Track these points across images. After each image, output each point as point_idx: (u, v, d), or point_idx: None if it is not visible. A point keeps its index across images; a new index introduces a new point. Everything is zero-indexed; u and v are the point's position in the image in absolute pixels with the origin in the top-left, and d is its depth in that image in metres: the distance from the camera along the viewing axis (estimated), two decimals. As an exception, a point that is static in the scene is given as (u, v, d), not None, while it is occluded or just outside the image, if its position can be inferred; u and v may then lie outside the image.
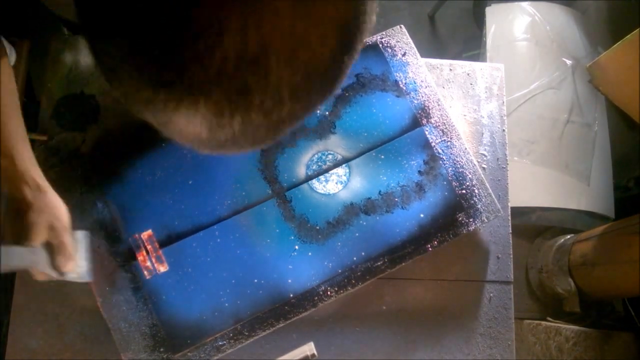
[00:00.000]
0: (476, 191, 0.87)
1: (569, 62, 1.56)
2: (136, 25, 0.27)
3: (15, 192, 0.61)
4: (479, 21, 1.93)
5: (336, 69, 0.31)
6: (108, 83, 0.31)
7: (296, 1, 0.27)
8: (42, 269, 0.63)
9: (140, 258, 0.81)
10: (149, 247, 0.81)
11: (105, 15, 0.28)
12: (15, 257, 0.59)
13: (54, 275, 0.66)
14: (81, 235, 0.74)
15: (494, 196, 0.87)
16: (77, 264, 0.71)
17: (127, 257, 0.81)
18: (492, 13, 1.67)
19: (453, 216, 0.85)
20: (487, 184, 0.87)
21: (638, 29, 1.18)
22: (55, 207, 0.65)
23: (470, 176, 0.87)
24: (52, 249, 0.65)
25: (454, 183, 0.87)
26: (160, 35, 0.26)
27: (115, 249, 0.81)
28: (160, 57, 0.27)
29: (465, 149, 0.88)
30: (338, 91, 0.89)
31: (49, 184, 0.65)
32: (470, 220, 0.85)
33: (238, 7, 0.26)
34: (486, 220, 0.86)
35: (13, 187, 0.62)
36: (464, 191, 0.86)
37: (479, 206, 0.86)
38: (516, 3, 1.66)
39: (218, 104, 0.29)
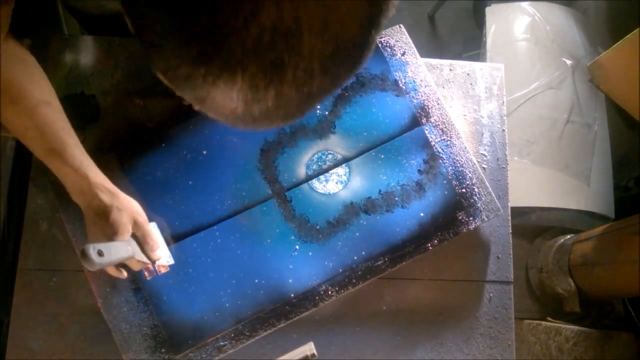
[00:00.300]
0: (476, 190, 0.87)
1: (569, 62, 1.56)
2: (178, 3, 0.28)
3: (92, 201, 0.68)
4: (479, 21, 1.93)
5: (363, 43, 0.32)
6: (148, 59, 0.32)
7: None
8: (139, 258, 0.71)
9: None
10: None
11: None
12: (122, 250, 0.66)
13: (147, 262, 0.73)
14: (153, 226, 0.79)
15: (493, 195, 0.87)
16: (162, 249, 0.77)
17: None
18: (492, 13, 1.67)
19: (453, 215, 0.85)
20: (486, 183, 0.87)
21: (638, 29, 1.18)
22: (131, 204, 0.72)
23: (470, 175, 0.87)
24: (139, 240, 0.72)
25: (453, 182, 0.87)
26: (201, 12, 0.28)
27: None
28: (201, 33, 0.28)
29: (465, 147, 0.88)
30: (349, 82, 0.89)
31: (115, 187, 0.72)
32: (470, 219, 0.85)
33: None
34: (486, 219, 0.86)
35: (89, 198, 0.68)
36: (463, 190, 0.86)
37: (478, 205, 0.86)
38: (516, 3, 1.66)
39: (254, 77, 0.30)
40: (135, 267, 0.73)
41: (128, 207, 0.71)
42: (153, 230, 0.79)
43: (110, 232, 0.67)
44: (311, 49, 0.30)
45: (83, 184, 0.68)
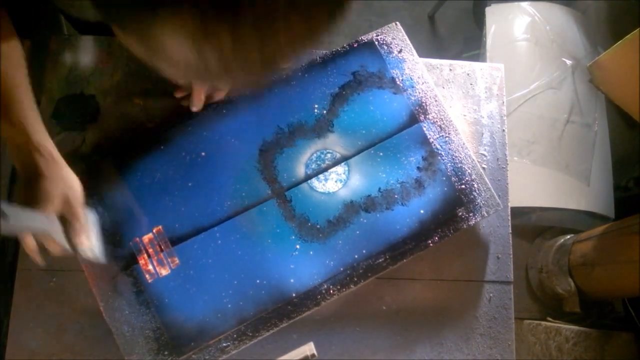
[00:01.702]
0: (475, 186, 0.86)
1: (569, 62, 1.57)
2: None
3: (29, 161, 0.62)
4: (479, 21, 1.93)
5: None
6: (103, 15, 0.30)
7: None
8: (57, 239, 0.64)
9: (141, 262, 0.80)
10: (150, 250, 0.81)
11: None
12: (35, 220, 0.60)
13: (68, 248, 0.67)
14: (92, 216, 0.75)
15: (493, 190, 0.87)
16: (91, 242, 0.72)
17: (129, 261, 0.81)
18: (492, 13, 1.67)
19: (453, 211, 0.85)
20: (486, 179, 0.87)
21: (638, 29, 1.18)
22: (69, 178, 0.66)
23: (469, 171, 0.87)
24: (66, 221, 0.66)
25: (453, 178, 0.87)
26: None
27: (115, 253, 0.81)
28: None
29: (464, 144, 0.88)
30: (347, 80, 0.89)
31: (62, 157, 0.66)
32: (470, 215, 0.85)
33: None
34: (486, 215, 0.86)
35: (26, 157, 0.62)
36: (463, 186, 0.86)
37: (478, 201, 0.86)
38: (516, 3, 1.66)
39: (203, 13, 0.26)
40: (53, 250, 0.66)
41: (63, 180, 0.65)
42: (88, 218, 0.73)
43: (33, 201, 0.61)
44: None
45: (21, 142, 0.62)
